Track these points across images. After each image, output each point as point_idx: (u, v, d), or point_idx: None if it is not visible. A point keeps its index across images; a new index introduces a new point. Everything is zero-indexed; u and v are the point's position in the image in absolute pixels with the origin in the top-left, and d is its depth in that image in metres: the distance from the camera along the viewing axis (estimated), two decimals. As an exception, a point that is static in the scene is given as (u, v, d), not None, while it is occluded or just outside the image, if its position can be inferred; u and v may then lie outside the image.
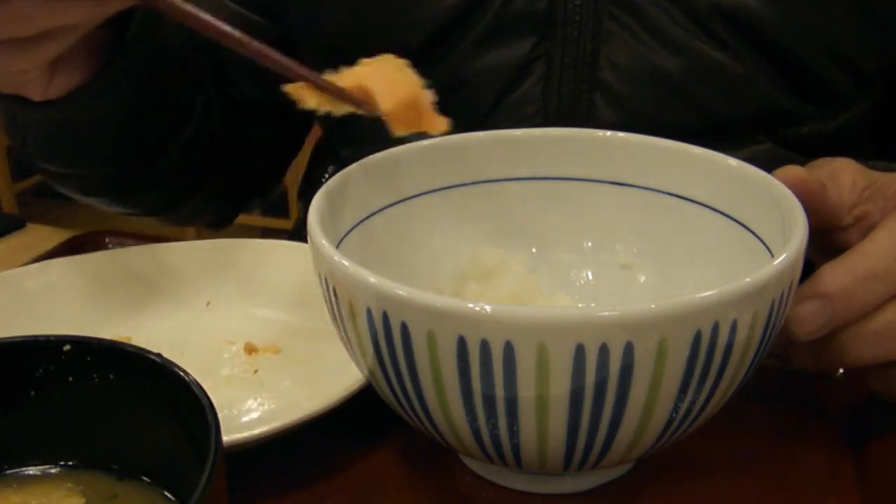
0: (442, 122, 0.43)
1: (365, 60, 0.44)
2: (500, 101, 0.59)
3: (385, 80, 0.42)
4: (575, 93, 0.58)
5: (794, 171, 0.43)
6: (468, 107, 0.60)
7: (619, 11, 0.57)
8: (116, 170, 0.61)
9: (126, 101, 0.54)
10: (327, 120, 0.70)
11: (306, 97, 0.41)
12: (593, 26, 0.57)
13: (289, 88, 0.41)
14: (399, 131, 0.41)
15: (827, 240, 0.45)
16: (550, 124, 0.59)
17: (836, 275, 0.39)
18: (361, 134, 0.64)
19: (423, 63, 0.59)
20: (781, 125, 0.59)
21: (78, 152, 0.58)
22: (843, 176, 0.45)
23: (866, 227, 0.44)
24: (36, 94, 0.48)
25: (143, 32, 0.52)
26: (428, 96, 0.43)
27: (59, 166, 0.59)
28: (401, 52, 0.61)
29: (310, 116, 0.73)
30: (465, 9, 0.58)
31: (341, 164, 0.46)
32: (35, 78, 0.47)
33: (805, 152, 0.57)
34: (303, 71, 0.40)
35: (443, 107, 0.57)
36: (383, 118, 0.41)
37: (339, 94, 0.41)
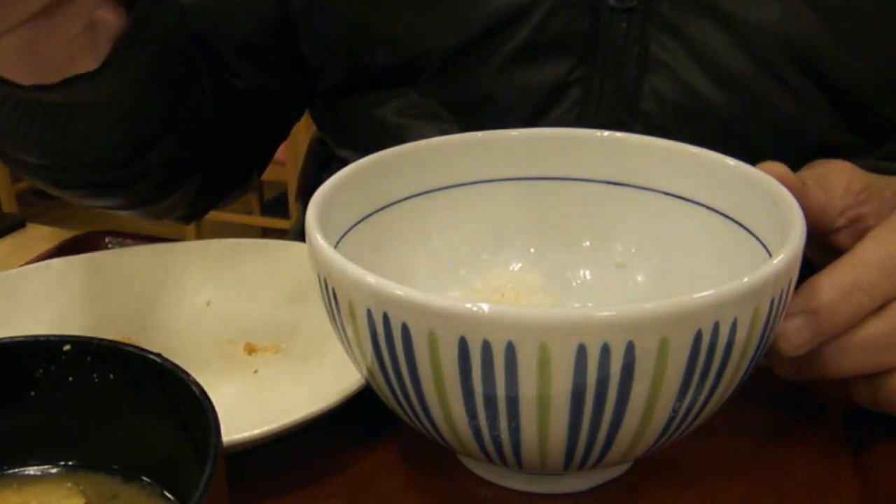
0: None
1: None
2: (531, 125, 0.53)
3: None
4: (613, 123, 0.53)
5: (774, 166, 0.42)
6: (496, 127, 0.54)
7: (668, 39, 0.52)
8: (108, 161, 0.55)
9: (127, 88, 0.50)
10: (323, 119, 0.70)
11: None
12: (639, 52, 0.52)
13: None
14: None
15: (822, 241, 0.45)
16: None
17: (822, 288, 0.39)
18: (358, 134, 0.63)
19: (445, 75, 0.54)
20: (827, 157, 0.56)
21: (67, 140, 0.52)
22: (834, 178, 0.44)
23: (861, 230, 0.43)
24: (89, 66, 0.45)
25: (147, 19, 0.48)
26: None
27: (39, 157, 0.54)
28: (424, 59, 0.56)
29: (303, 102, 0.69)
30: (503, 19, 0.53)
31: (339, 165, 0.45)
32: (83, 48, 0.43)
33: None
34: None
35: (469, 124, 0.53)
36: None
37: None
